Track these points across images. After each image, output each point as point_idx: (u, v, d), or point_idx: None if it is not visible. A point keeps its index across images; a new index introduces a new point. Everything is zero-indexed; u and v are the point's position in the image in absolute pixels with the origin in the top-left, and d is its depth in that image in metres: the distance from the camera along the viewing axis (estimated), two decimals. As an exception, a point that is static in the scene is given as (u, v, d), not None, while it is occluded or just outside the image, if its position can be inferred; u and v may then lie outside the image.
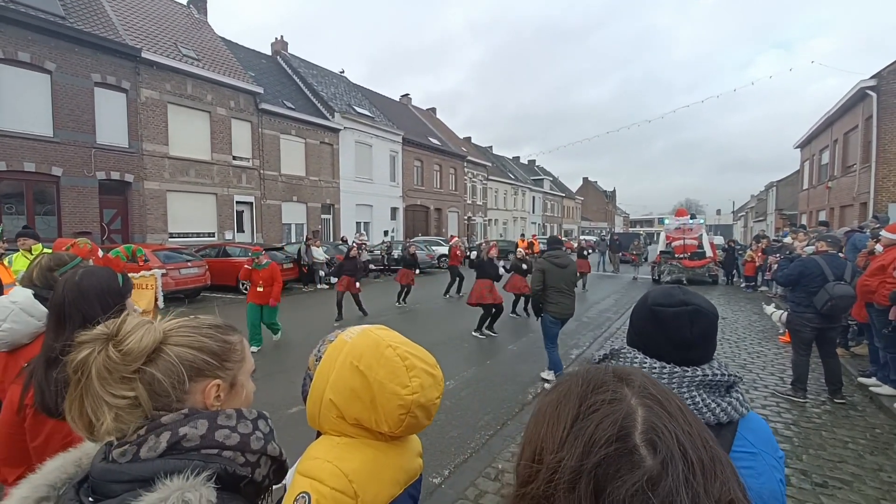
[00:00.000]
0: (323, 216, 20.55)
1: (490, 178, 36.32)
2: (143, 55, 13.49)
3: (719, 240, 20.86)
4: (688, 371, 0.97)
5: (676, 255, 14.90)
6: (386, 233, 19.80)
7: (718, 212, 79.74)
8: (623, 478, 0.41)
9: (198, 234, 15.22)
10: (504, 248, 26.17)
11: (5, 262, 4.50)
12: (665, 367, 0.98)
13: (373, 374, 0.85)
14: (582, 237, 41.99)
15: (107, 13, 13.84)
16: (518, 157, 50.96)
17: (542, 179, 49.32)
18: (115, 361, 0.64)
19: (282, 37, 23.80)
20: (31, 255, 4.69)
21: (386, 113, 26.22)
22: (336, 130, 20.92)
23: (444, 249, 18.68)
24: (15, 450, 1.39)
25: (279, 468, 0.74)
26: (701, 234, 15.23)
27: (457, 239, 13.97)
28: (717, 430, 0.94)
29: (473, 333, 7.56)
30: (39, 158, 11.56)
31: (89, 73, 12.47)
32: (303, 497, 0.76)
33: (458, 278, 12.13)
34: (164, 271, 6.90)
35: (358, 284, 8.76)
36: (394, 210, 25.16)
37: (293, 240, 17.90)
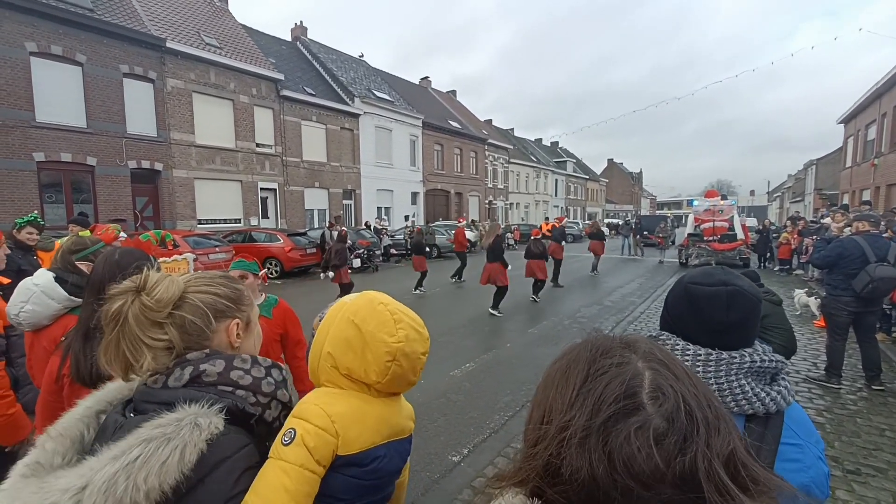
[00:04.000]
0: (344, 201, 20.75)
1: (512, 160, 35.76)
2: (168, 45, 13.74)
3: (752, 222, 20.00)
4: (735, 357, 0.93)
5: (705, 238, 14.40)
6: (407, 217, 19.85)
7: (752, 193, 76.24)
8: (631, 432, 0.43)
9: (224, 221, 15.66)
10: (526, 233, 26.01)
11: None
12: (711, 354, 0.94)
13: (365, 326, 0.94)
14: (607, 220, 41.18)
15: (132, 4, 14.11)
16: (541, 140, 49.95)
17: (566, 162, 48.24)
18: (149, 307, 0.77)
19: (301, 22, 23.78)
20: None
21: (406, 97, 26.01)
22: (356, 116, 20.93)
23: (470, 235, 18.63)
24: (54, 417, 1.46)
25: (289, 413, 0.87)
26: (732, 216, 14.63)
27: (465, 222, 13.87)
28: (764, 421, 0.92)
29: (490, 310, 7.80)
30: (75, 149, 12.04)
31: (118, 64, 12.81)
32: (290, 432, 0.84)
33: (463, 263, 11.87)
34: (194, 256, 7.16)
35: (332, 274, 8.66)
36: (414, 195, 25.16)
37: (316, 225, 18.19)
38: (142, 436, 0.67)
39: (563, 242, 11.23)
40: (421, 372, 1.00)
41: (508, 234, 10.57)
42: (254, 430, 0.81)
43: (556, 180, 44.94)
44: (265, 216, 17.28)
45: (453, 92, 35.91)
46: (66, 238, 5.37)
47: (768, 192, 64.17)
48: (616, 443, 0.43)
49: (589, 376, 0.48)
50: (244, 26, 18.93)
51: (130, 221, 12.92)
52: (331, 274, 8.74)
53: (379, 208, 22.40)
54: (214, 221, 15.25)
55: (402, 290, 10.40)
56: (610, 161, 73.98)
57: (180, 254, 4.87)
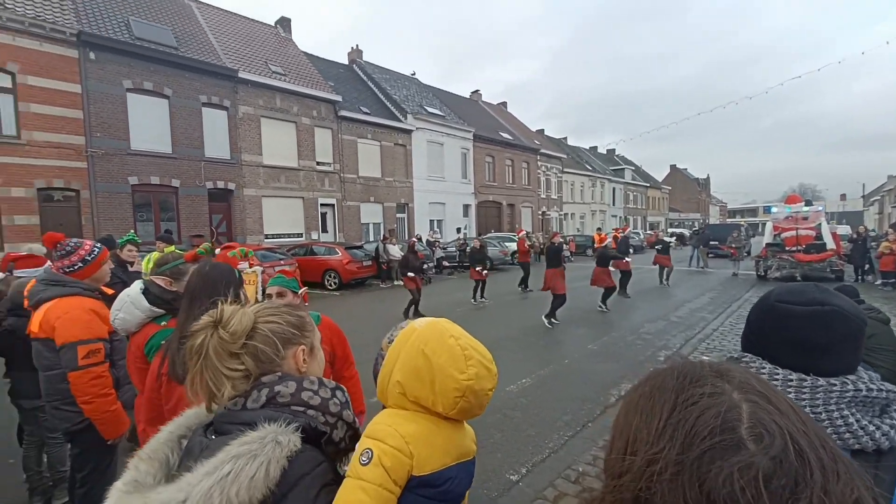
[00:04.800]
0: (398, 215, 21.24)
1: (565, 170, 34.85)
2: (240, 75, 14.99)
3: (844, 229, 17.80)
4: (835, 384, 0.80)
5: (787, 248, 13.00)
6: (459, 230, 19.90)
7: (843, 197, 68.13)
8: (733, 472, 0.39)
9: (288, 235, 16.58)
10: (581, 244, 25.08)
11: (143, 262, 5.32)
12: (805, 380, 0.82)
13: (436, 359, 0.95)
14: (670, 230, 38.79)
15: (209, 40, 15.61)
16: (595, 147, 48.27)
17: (623, 169, 46.21)
18: (226, 340, 0.83)
19: (357, 45, 25.03)
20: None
21: (456, 111, 26.37)
22: (409, 131, 21.50)
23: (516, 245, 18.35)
24: (156, 412, 1.60)
25: (354, 435, 0.91)
26: (819, 223, 13.10)
27: (524, 232, 13.60)
28: (875, 458, 0.80)
29: (544, 319, 7.63)
30: (162, 172, 13.39)
31: (198, 94, 14.16)
32: (367, 452, 0.87)
33: (526, 273, 11.89)
34: (262, 269, 7.64)
35: (420, 280, 8.84)
36: (466, 207, 25.22)
37: (371, 238, 18.74)
38: (231, 452, 0.72)
39: (629, 252, 10.70)
40: (486, 406, 1.00)
41: (564, 245, 10.21)
42: (323, 449, 0.85)
43: (614, 189, 43.12)
44: (324, 230, 18.09)
45: (504, 104, 35.89)
46: (153, 253, 5.88)
47: (863, 196, 57.15)
48: (714, 482, 0.39)
49: (677, 406, 0.45)
50: (306, 53, 20.23)
51: (207, 237, 14.06)
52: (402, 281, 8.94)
53: (431, 221, 22.67)
54: (279, 236, 16.20)
55: (454, 302, 10.34)
56: (672, 167, 69.87)
57: (251, 266, 5.24)
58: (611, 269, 9.41)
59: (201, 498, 0.67)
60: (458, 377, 0.92)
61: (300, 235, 16.97)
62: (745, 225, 25.98)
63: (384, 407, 1.04)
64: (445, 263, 17.25)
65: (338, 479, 0.86)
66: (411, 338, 1.00)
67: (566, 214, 35.05)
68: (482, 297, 10.21)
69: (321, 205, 17.86)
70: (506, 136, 28.87)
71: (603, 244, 9.42)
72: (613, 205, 42.86)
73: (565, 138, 42.51)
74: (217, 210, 14.93)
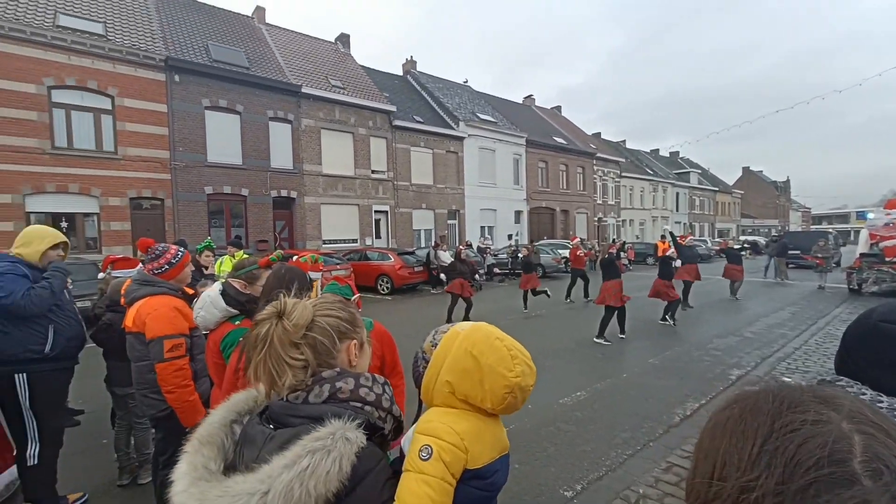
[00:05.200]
0: (449, 221, 21.42)
1: (623, 174, 33.39)
2: (303, 90, 15.94)
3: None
4: None
5: (887, 259, 11.52)
6: (510, 236, 19.65)
7: (954, 200, 59.36)
8: None
9: (344, 241, 17.28)
10: (641, 252, 23.83)
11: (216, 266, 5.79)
12: None
13: (484, 359, 1.01)
14: (741, 238, 35.85)
15: (277, 59, 16.76)
16: (657, 150, 45.87)
17: (688, 173, 43.41)
18: (288, 331, 0.87)
19: (411, 57, 25.73)
20: (234, 259, 6.05)
21: (509, 117, 26.22)
22: (461, 139, 21.68)
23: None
24: None
25: (397, 428, 0.95)
26: (926, 231, 11.50)
27: (578, 240, 13.13)
28: None
29: (595, 340, 7.12)
30: (233, 182, 14.51)
31: (265, 110, 15.23)
32: (427, 448, 0.93)
33: (583, 281, 11.45)
34: (321, 273, 8.05)
35: (472, 288, 8.80)
36: (518, 213, 24.91)
37: (422, 245, 19.03)
38: (307, 447, 0.75)
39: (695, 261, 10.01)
40: (526, 401, 1.07)
41: (622, 254, 9.73)
42: (375, 442, 0.87)
43: (678, 194, 40.62)
44: (378, 236, 18.65)
45: (558, 108, 35.16)
46: (224, 257, 6.35)
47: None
48: None
49: (774, 432, 0.42)
50: (363, 67, 21.10)
51: (271, 242, 15.01)
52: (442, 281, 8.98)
53: (482, 227, 22.62)
54: (336, 242, 16.93)
55: (505, 309, 10.22)
56: (745, 169, 64.64)
57: (314, 271, 5.58)
58: (673, 280, 8.85)
59: (283, 489, 0.70)
60: (507, 375, 0.99)
61: (355, 241, 17.62)
62: (834, 232, 23.35)
63: (423, 406, 1.11)
64: (496, 270, 17.10)
65: (395, 472, 0.92)
66: (457, 341, 1.05)
67: (624, 221, 33.52)
68: (526, 306, 9.99)
69: (375, 211, 18.44)
70: (560, 140, 28.24)
71: (666, 254, 8.88)
72: (677, 210, 40.38)
73: (623, 141, 40.81)
74: (280, 217, 15.90)
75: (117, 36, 12.77)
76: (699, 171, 46.62)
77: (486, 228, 22.86)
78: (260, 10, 19.02)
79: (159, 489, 2.42)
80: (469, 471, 0.96)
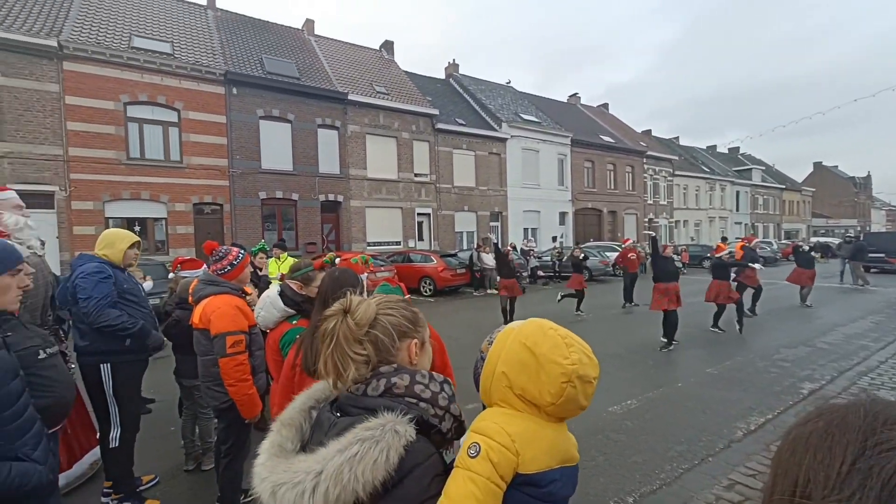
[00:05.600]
0: (492, 223, 21.30)
1: (676, 173, 31.71)
2: (350, 97, 16.48)
3: None
4: None
5: None
6: (554, 238, 19.22)
7: None
8: None
9: (387, 243, 17.65)
10: (696, 254, 22.53)
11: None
12: None
13: (538, 349, 0.98)
14: (812, 239, 32.97)
15: (325, 68, 17.45)
16: (714, 147, 43.18)
17: (751, 170, 40.52)
18: (352, 327, 0.93)
19: (453, 60, 25.93)
20: (280, 261, 6.28)
21: (553, 116, 25.71)
22: (503, 140, 21.52)
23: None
24: (288, 398, 1.82)
25: (459, 427, 0.96)
26: None
27: (630, 241, 12.56)
28: None
29: (667, 348, 6.81)
30: (284, 187, 15.25)
31: (314, 118, 15.89)
32: (475, 446, 0.91)
33: (630, 285, 10.98)
34: (366, 275, 8.29)
35: (522, 289, 8.71)
36: (562, 215, 24.33)
37: (465, 247, 19.06)
38: (358, 436, 0.80)
39: (757, 265, 9.26)
40: (591, 398, 1.00)
41: (676, 257, 9.27)
42: (431, 440, 0.90)
43: (738, 192, 38.00)
44: (420, 238, 18.88)
45: (605, 105, 34.04)
46: (271, 259, 6.64)
47: None
48: None
49: (867, 449, 0.40)
50: (406, 72, 21.49)
51: (319, 244, 15.62)
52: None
53: (525, 229, 22.30)
54: (379, 244, 17.32)
55: (548, 313, 9.99)
56: (817, 165, 59.44)
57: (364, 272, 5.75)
58: (732, 282, 8.28)
59: (334, 471, 0.77)
60: (563, 362, 0.95)
61: (398, 243, 17.94)
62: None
63: (485, 408, 1.08)
64: (540, 273, 16.80)
65: (447, 469, 0.92)
66: (511, 336, 1.04)
67: (677, 222, 31.82)
68: (578, 309, 9.72)
69: (418, 214, 18.69)
70: (607, 139, 27.32)
71: (720, 255, 8.32)
72: (737, 210, 37.78)
73: (676, 138, 38.80)
74: (327, 220, 16.51)
75: (183, 54, 13.83)
76: (762, 168, 43.33)
77: (530, 230, 22.52)
78: (309, 23, 19.91)
79: (221, 476, 2.57)
80: (521, 475, 0.93)
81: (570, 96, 32.13)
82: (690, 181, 33.14)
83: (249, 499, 2.90)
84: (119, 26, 13.55)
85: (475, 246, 15.73)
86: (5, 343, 1.40)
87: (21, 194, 2.58)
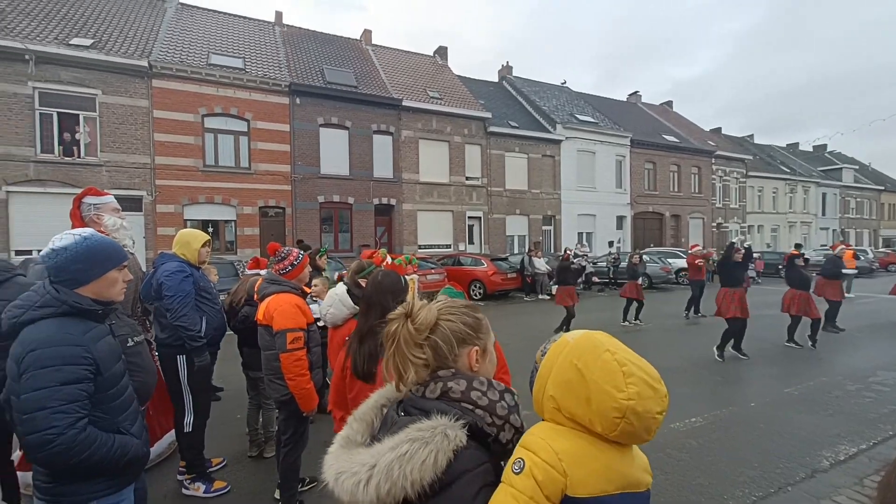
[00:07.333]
0: (544, 227, 20.85)
1: (750, 173, 29.21)
2: (404, 103, 16.89)
3: None
4: None
5: None
6: (611, 243, 18.42)
7: None
8: None
9: (438, 246, 17.84)
10: (773, 262, 20.63)
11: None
12: None
13: (589, 374, 0.88)
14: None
15: (380, 76, 18.03)
16: (796, 144, 39.38)
17: (840, 169, 36.38)
18: (412, 332, 0.94)
19: (507, 62, 25.83)
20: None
21: (611, 116, 24.72)
22: (558, 142, 21.01)
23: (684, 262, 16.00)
24: (341, 397, 1.92)
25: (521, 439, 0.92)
26: None
27: (698, 248, 11.69)
28: None
29: (716, 357, 6.42)
30: (341, 192, 15.92)
31: (370, 124, 16.46)
32: (519, 461, 0.86)
33: (699, 294, 10.22)
34: (417, 277, 8.44)
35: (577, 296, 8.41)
36: (620, 219, 23.28)
37: (516, 251, 18.79)
38: (409, 435, 0.82)
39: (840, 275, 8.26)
40: (655, 432, 0.88)
41: (750, 264, 8.50)
42: (490, 449, 0.89)
43: (824, 194, 34.29)
44: (471, 242, 18.88)
45: (668, 103, 32.19)
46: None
47: None
48: None
49: None
50: (459, 76, 21.66)
51: (372, 246, 16.11)
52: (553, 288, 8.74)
53: (580, 234, 21.59)
54: (430, 247, 17.54)
55: (603, 322, 9.59)
56: (919, 163, 52.08)
57: (409, 274, 5.84)
58: (813, 294, 7.46)
59: (385, 467, 0.79)
60: (616, 395, 0.84)
61: (449, 246, 18.06)
62: None
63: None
64: (595, 279, 16.18)
65: (499, 481, 0.88)
66: (564, 351, 0.96)
67: (751, 226, 29.29)
68: (637, 318, 9.22)
69: (468, 217, 18.72)
70: (670, 138, 25.81)
71: (793, 257, 7.53)
72: (823, 214, 34.09)
73: (751, 136, 35.85)
74: (381, 223, 16.99)
75: (253, 68, 14.90)
76: (855, 168, 38.70)
77: (584, 235, 21.76)
78: (367, 33, 20.69)
79: (281, 464, 2.72)
80: (570, 498, 0.84)
81: (629, 95, 30.76)
82: (767, 182, 30.39)
83: (307, 487, 3.03)
84: (199, 45, 14.88)
85: (527, 250, 15.46)
86: (111, 330, 1.58)
87: (116, 199, 2.88)
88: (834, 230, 34.18)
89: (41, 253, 1.57)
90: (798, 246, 9.98)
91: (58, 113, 12.10)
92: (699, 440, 3.90)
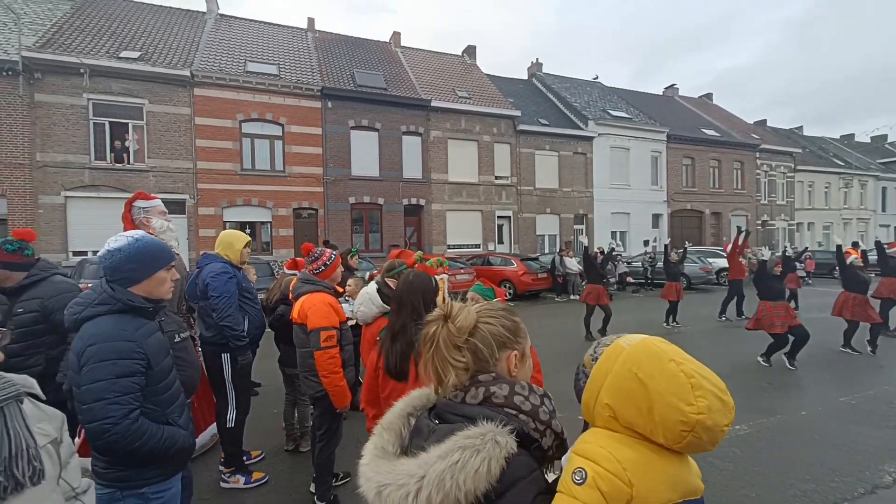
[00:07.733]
0: (575, 226, 20.41)
1: (798, 167, 27.49)
2: (432, 104, 16.96)
3: None
4: None
5: None
6: (646, 242, 17.80)
7: None
8: None
9: (467, 246, 17.80)
10: (824, 263, 19.40)
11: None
12: None
13: (653, 385, 0.84)
14: None
15: (409, 77, 18.17)
16: (851, 136, 36.81)
17: (899, 161, 33.73)
18: (453, 334, 0.92)
19: (537, 59, 25.35)
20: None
21: (647, 111, 23.89)
22: (590, 139, 20.53)
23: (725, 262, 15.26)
24: (373, 396, 1.95)
25: (560, 444, 0.90)
26: None
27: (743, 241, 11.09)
28: None
29: (759, 359, 6.19)
30: (372, 193, 16.16)
31: (399, 125, 16.62)
32: (581, 471, 0.82)
33: (738, 296, 9.75)
34: (447, 276, 8.45)
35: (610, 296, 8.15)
36: (656, 217, 22.48)
37: (546, 250, 18.49)
38: (458, 443, 0.78)
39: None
40: (719, 443, 0.85)
41: (799, 264, 7.99)
42: (532, 455, 0.85)
43: (884, 189, 31.77)
44: (500, 241, 18.73)
45: (708, 95, 30.79)
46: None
47: None
48: None
49: None
50: (488, 75, 21.53)
51: (402, 246, 16.27)
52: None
53: (613, 233, 21.00)
54: (459, 246, 17.53)
55: (639, 323, 9.30)
56: None
57: (439, 274, 5.86)
58: (870, 296, 6.93)
59: (436, 477, 0.76)
60: (685, 409, 0.80)
61: (478, 246, 17.99)
62: None
63: (586, 425, 0.99)
64: (629, 280, 15.71)
65: (549, 489, 0.86)
66: (620, 358, 0.92)
67: (800, 224, 27.60)
68: (675, 321, 8.87)
69: (498, 217, 18.58)
70: (710, 132, 24.69)
71: (850, 259, 7.02)
72: (883, 210, 31.63)
73: (799, 128, 33.79)
74: (410, 223, 17.13)
75: (287, 74, 15.36)
76: (918, 159, 35.79)
77: (618, 234, 21.15)
78: (396, 35, 20.91)
79: (316, 458, 2.78)
80: None
81: (665, 88, 29.65)
82: (818, 177, 28.52)
83: (342, 482, 3.09)
84: (236, 54, 15.49)
85: (558, 250, 15.20)
86: (160, 327, 1.67)
87: (163, 202, 3.04)
88: (895, 227, 31.70)
89: (98, 254, 1.68)
90: (855, 244, 9.28)
91: (109, 122, 12.90)
92: (744, 449, 3.71)
